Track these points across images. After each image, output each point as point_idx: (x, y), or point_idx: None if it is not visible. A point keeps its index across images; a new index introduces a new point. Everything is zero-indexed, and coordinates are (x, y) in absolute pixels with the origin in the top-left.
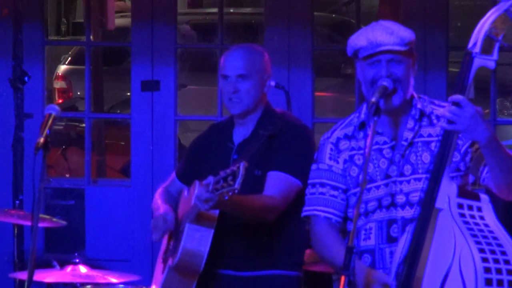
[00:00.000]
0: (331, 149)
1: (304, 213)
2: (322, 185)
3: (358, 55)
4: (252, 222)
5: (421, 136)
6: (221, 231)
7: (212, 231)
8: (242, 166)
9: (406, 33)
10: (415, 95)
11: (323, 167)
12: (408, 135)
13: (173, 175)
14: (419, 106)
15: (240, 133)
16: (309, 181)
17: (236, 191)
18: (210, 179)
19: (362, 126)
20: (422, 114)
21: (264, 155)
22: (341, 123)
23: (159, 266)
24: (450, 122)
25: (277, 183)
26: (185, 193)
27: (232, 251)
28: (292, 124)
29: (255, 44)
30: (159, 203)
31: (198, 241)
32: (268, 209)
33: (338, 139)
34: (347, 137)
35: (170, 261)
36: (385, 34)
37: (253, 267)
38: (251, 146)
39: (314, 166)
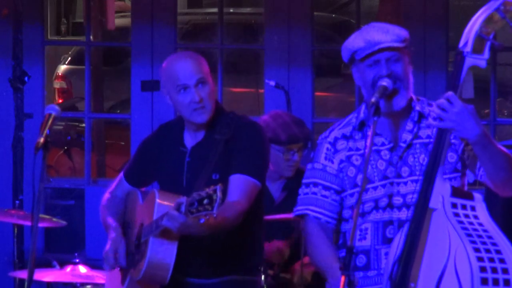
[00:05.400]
0: (328, 149)
1: (295, 213)
2: (315, 184)
3: (355, 57)
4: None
5: (420, 137)
6: (184, 240)
7: (176, 243)
8: (219, 189)
9: (401, 31)
10: (414, 97)
11: (318, 167)
12: (407, 137)
13: (121, 175)
14: (418, 108)
15: (192, 136)
16: (304, 181)
17: (215, 215)
18: (183, 199)
19: (361, 126)
20: (420, 116)
21: (220, 158)
22: (339, 123)
23: (115, 273)
24: (439, 119)
25: (240, 187)
26: (140, 199)
27: (195, 259)
28: (244, 123)
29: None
30: (108, 222)
31: (163, 254)
32: (238, 216)
33: (336, 139)
34: (345, 137)
35: (132, 272)
36: (381, 33)
37: (214, 274)
38: (209, 151)
39: (309, 166)
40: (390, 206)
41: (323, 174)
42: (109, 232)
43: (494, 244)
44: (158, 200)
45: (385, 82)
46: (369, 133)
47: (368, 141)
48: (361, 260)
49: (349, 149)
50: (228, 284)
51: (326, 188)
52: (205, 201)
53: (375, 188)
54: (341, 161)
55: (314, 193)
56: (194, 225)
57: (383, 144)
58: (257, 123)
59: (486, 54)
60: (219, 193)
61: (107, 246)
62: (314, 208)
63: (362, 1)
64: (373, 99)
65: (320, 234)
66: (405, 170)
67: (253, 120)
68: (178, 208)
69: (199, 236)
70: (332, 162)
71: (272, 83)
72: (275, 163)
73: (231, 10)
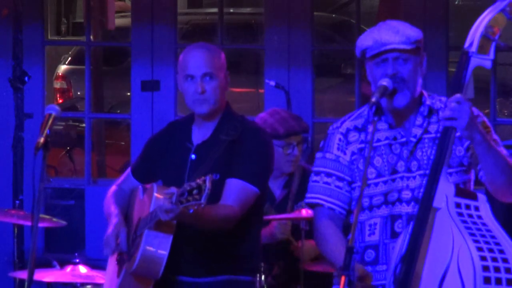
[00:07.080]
0: (340, 139)
1: (307, 200)
2: (328, 175)
3: (365, 55)
4: (209, 231)
5: (429, 132)
6: (178, 237)
7: (171, 236)
8: (208, 180)
9: (413, 32)
10: (425, 92)
11: (330, 157)
12: (417, 131)
13: (128, 171)
14: (428, 102)
15: (199, 134)
16: (314, 169)
17: (203, 205)
18: (173, 189)
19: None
20: (430, 110)
21: (223, 158)
22: (350, 115)
23: (112, 266)
24: (451, 119)
25: (235, 192)
26: (140, 194)
27: (189, 257)
28: (252, 128)
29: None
30: (111, 210)
31: (157, 247)
32: (227, 220)
33: (348, 130)
34: (357, 129)
35: (127, 265)
36: (390, 33)
37: (210, 273)
38: (212, 150)
39: (319, 155)
40: (399, 200)
41: (336, 165)
42: (111, 219)
43: (497, 243)
44: (155, 194)
45: (385, 82)
46: (370, 129)
47: (369, 137)
48: (369, 255)
49: (361, 142)
50: (223, 284)
51: (339, 179)
52: (195, 191)
53: (385, 182)
54: (353, 153)
55: (327, 183)
56: (182, 215)
57: (394, 138)
58: (265, 130)
59: (492, 54)
60: (208, 184)
61: (109, 230)
62: (329, 199)
63: (362, 1)
64: (373, 99)
65: (334, 227)
66: (414, 165)
67: (261, 127)
68: (170, 198)
69: (192, 231)
70: (345, 153)
71: (272, 83)
72: (275, 159)
73: (231, 10)
